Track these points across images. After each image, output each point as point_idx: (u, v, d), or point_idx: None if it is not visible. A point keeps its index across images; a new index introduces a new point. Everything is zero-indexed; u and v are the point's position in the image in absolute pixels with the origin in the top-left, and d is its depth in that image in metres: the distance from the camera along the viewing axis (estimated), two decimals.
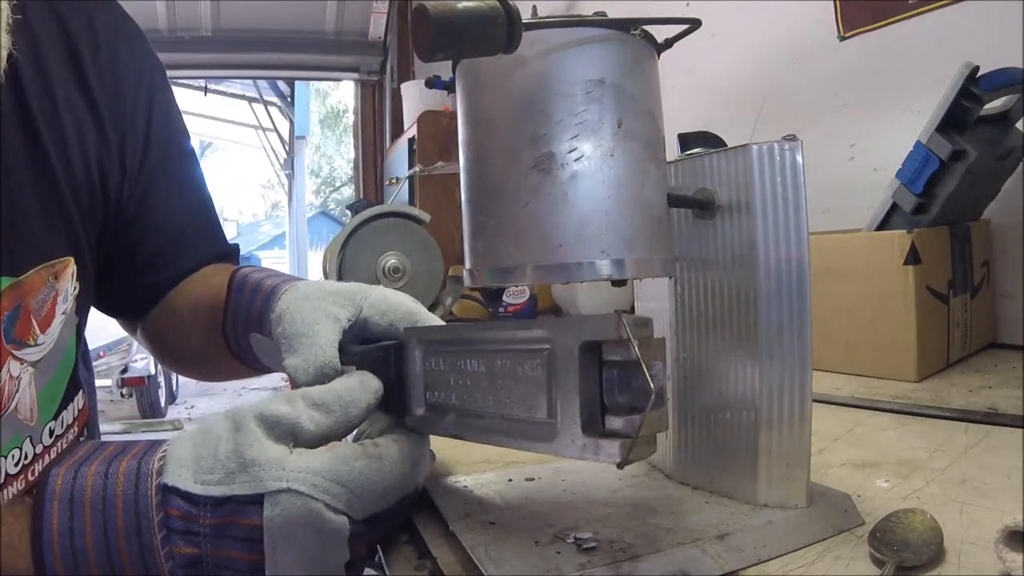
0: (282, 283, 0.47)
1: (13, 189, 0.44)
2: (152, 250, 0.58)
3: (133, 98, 0.55)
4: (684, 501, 0.42)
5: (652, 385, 0.28)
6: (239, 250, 0.68)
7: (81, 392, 0.54)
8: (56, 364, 0.50)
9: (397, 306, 0.45)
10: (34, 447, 0.47)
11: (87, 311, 0.56)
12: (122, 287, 0.59)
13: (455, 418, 0.39)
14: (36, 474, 0.47)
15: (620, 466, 0.29)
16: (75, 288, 0.51)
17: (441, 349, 0.40)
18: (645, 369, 0.28)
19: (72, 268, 0.50)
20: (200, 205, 0.63)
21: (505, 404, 0.35)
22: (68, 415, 0.52)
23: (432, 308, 0.46)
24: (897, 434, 0.57)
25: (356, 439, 0.52)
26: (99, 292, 0.58)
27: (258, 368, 0.53)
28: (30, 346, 0.46)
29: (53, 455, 0.49)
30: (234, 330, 0.51)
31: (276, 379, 0.57)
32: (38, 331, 0.47)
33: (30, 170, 0.46)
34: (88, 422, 0.56)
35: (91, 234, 0.53)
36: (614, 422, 0.30)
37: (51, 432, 0.49)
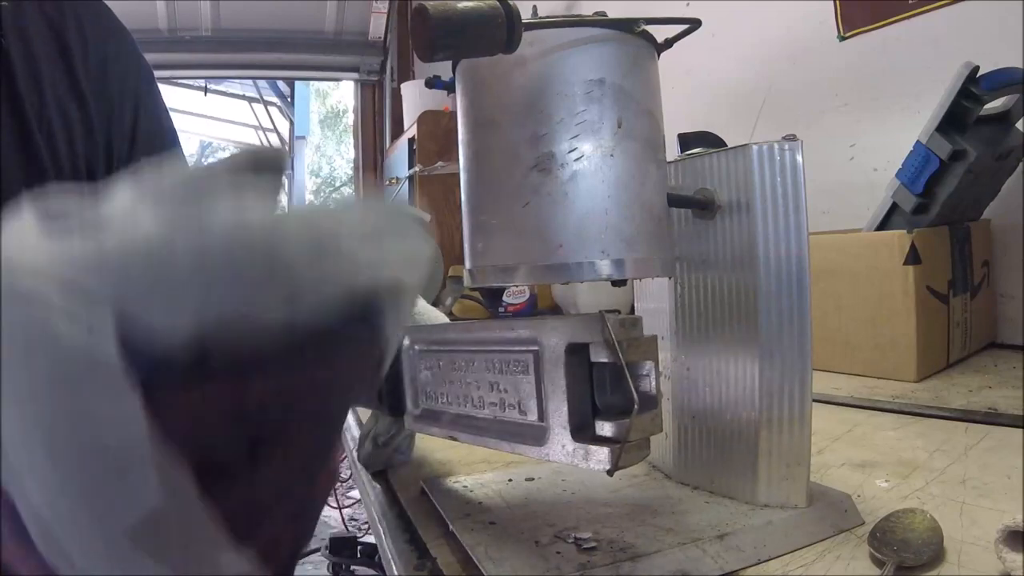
0: None
1: (4, 185, 0.45)
2: None
3: (120, 96, 0.56)
4: (684, 501, 0.42)
5: (635, 393, 0.27)
6: None
7: None
8: None
9: None
10: None
11: None
12: None
13: (450, 418, 0.38)
14: None
15: (610, 473, 0.28)
16: None
17: (433, 349, 0.40)
18: (628, 376, 0.27)
19: None
20: None
21: (497, 405, 0.35)
22: None
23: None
24: (897, 434, 0.57)
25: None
26: None
27: None
28: None
29: None
30: None
31: None
32: None
33: (20, 165, 0.46)
34: None
35: None
36: (604, 427, 0.29)
37: None
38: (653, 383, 0.30)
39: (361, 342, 0.19)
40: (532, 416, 0.32)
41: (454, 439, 0.38)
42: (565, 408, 0.30)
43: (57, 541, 0.16)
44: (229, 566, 0.17)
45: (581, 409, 0.30)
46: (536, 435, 0.32)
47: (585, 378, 0.30)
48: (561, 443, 0.30)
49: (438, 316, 0.45)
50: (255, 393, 0.17)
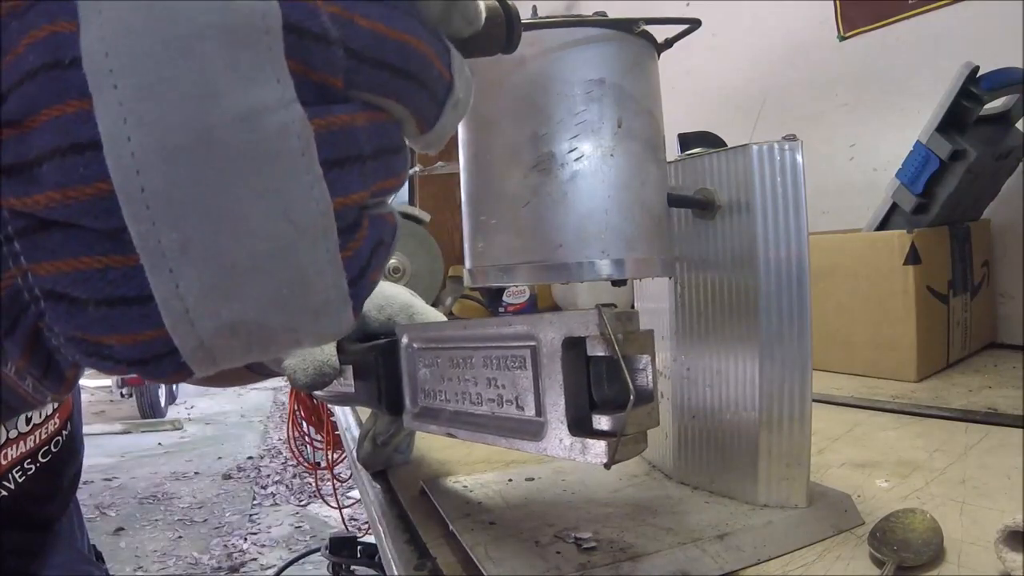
0: None
1: None
2: None
3: None
4: (684, 501, 0.42)
5: (631, 385, 0.27)
6: None
7: None
8: None
9: (393, 299, 0.45)
10: (7, 431, 0.48)
11: None
12: None
13: (448, 415, 0.38)
14: (9, 459, 0.48)
15: (607, 466, 0.28)
16: None
17: (431, 347, 0.40)
18: (624, 368, 0.27)
19: None
20: None
21: (495, 402, 0.35)
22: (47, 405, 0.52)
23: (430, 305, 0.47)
24: (897, 434, 0.57)
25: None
26: None
27: (264, 373, 0.54)
28: None
29: (30, 443, 0.50)
30: None
31: (278, 379, 0.59)
32: None
33: None
34: (71, 416, 0.56)
35: None
36: (601, 421, 0.29)
37: (28, 419, 0.50)
38: (650, 377, 0.30)
39: None
40: (530, 411, 0.32)
41: (452, 436, 0.38)
42: (562, 402, 0.30)
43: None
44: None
45: (578, 403, 0.30)
46: (534, 430, 0.32)
47: (582, 372, 0.30)
48: (559, 437, 0.30)
49: (437, 316, 0.45)
50: None
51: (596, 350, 0.29)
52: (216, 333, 0.17)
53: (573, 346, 0.30)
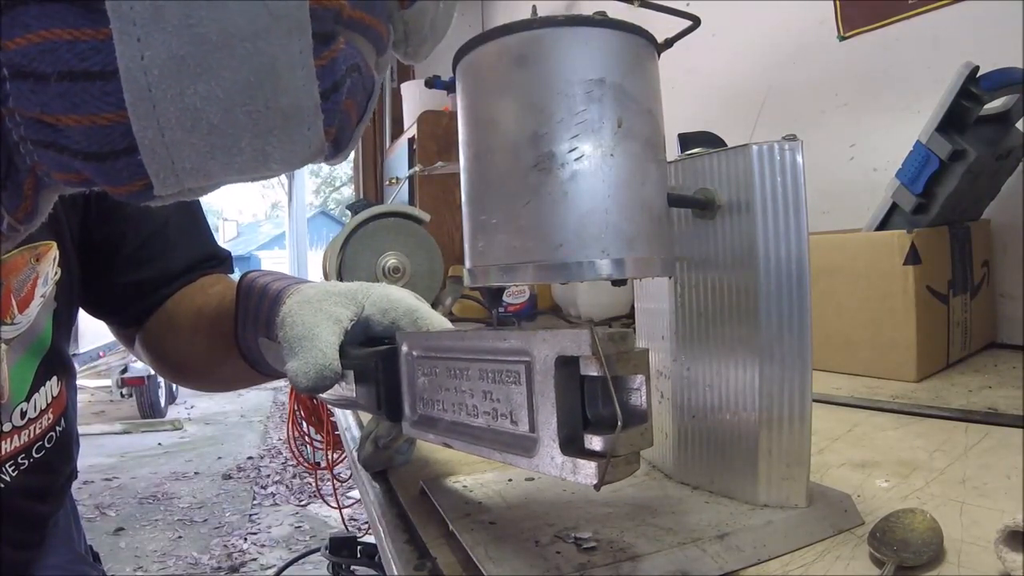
0: (287, 286, 0.47)
1: None
2: (136, 243, 0.59)
3: None
4: (684, 501, 0.42)
5: (619, 408, 0.27)
6: (231, 256, 0.68)
7: (56, 379, 0.54)
8: (27, 346, 0.50)
9: (398, 303, 0.45)
10: (1, 425, 0.48)
11: (72, 303, 0.56)
12: (110, 284, 0.59)
13: (446, 425, 0.38)
14: (4, 452, 0.48)
15: (597, 487, 0.28)
16: (56, 273, 0.51)
17: (429, 355, 0.39)
18: (613, 390, 0.27)
19: (54, 252, 0.51)
20: (185, 203, 0.63)
21: (490, 415, 0.34)
22: (41, 399, 0.52)
23: (432, 308, 0.46)
24: (897, 434, 0.57)
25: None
26: (89, 291, 0.58)
27: (270, 374, 0.53)
28: (6, 324, 0.47)
29: (24, 438, 0.50)
30: (245, 336, 0.51)
31: (278, 380, 0.59)
32: (16, 311, 0.48)
33: None
34: (65, 412, 0.56)
35: (73, 221, 0.53)
36: (593, 441, 0.29)
37: (23, 413, 0.50)
38: (644, 397, 0.30)
39: None
40: (523, 427, 0.32)
41: (449, 446, 0.38)
42: (554, 420, 0.30)
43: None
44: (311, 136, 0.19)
45: (570, 422, 0.30)
46: (527, 446, 0.32)
47: (575, 391, 0.30)
48: (550, 455, 0.30)
49: (441, 321, 0.45)
50: None
51: (589, 370, 0.29)
52: (177, 120, 0.17)
53: (567, 364, 0.30)
